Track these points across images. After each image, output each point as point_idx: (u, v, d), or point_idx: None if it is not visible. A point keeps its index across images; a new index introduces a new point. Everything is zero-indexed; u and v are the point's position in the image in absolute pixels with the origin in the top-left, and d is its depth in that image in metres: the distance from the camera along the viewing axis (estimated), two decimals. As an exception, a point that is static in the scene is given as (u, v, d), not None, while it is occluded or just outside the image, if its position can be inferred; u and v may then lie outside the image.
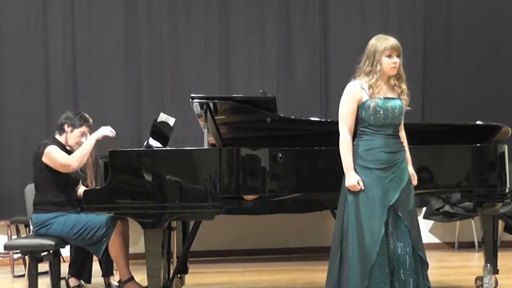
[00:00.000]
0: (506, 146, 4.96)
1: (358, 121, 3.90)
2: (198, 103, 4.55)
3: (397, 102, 3.88)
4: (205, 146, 4.58)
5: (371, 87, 3.84)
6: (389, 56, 3.83)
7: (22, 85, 6.99)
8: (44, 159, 4.76)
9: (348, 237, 3.84)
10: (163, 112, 5.06)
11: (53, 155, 4.74)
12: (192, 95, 4.56)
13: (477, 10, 7.48)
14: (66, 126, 4.94)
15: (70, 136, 4.93)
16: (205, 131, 4.58)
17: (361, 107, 3.86)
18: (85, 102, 6.84)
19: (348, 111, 3.88)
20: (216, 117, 4.67)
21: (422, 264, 3.87)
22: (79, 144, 4.96)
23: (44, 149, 4.77)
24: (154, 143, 4.69)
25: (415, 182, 3.99)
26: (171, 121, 5.04)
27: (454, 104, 7.32)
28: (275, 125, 4.77)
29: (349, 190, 3.86)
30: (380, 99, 3.84)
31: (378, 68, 3.83)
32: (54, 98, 6.94)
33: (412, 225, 3.84)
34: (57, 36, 7.03)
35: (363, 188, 3.80)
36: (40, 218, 4.77)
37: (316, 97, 7.21)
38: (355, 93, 3.87)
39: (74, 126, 4.93)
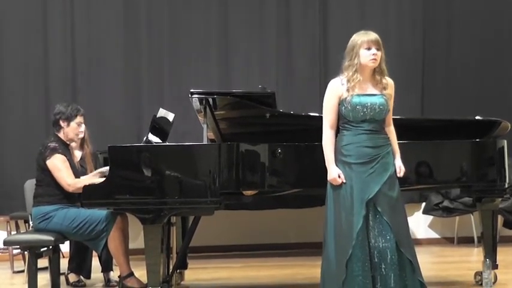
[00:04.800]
0: (505, 141, 4.96)
1: (340, 117, 3.93)
2: (197, 98, 4.55)
3: (378, 99, 3.89)
4: (205, 142, 4.58)
5: (349, 81, 3.87)
6: (368, 49, 3.85)
7: (22, 82, 7.00)
8: (48, 164, 4.76)
9: (327, 231, 3.89)
10: (162, 107, 5.06)
11: (55, 167, 4.75)
12: (192, 91, 4.57)
13: (476, 7, 7.47)
14: (61, 122, 4.91)
15: (67, 130, 4.92)
16: (205, 126, 4.58)
17: (341, 103, 3.90)
18: (85, 98, 6.84)
19: (330, 107, 3.93)
20: (215, 113, 4.67)
21: (407, 261, 3.82)
22: (78, 135, 4.95)
23: (51, 155, 4.75)
24: (153, 139, 4.69)
25: (400, 174, 3.96)
26: (171, 116, 5.04)
27: (453, 100, 7.32)
28: (274, 120, 4.78)
29: (330, 184, 3.90)
30: (358, 95, 3.86)
31: (356, 61, 3.86)
32: (54, 94, 6.92)
33: (393, 221, 3.80)
34: (56, 32, 7.03)
35: (344, 181, 3.84)
36: (40, 210, 4.77)
37: (315, 92, 7.20)
38: (335, 90, 3.91)
39: (68, 120, 4.90)
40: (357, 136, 3.87)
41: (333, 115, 3.92)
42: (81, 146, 5.28)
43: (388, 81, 3.95)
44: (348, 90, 3.87)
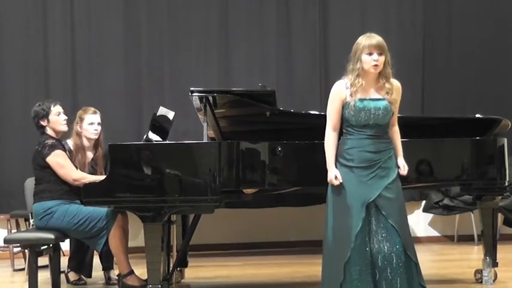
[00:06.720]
0: (505, 139, 4.97)
1: (343, 120, 3.91)
2: (197, 96, 4.56)
3: (382, 103, 3.83)
4: (205, 140, 4.58)
5: (352, 86, 3.83)
6: (370, 54, 3.79)
7: (22, 81, 6.99)
8: (49, 161, 4.74)
9: (327, 232, 3.89)
10: (162, 106, 5.07)
11: (57, 164, 4.74)
12: (192, 89, 4.57)
13: (476, 7, 7.48)
14: (41, 122, 4.85)
15: (52, 125, 4.85)
16: (205, 124, 4.59)
17: (344, 106, 3.86)
18: (85, 98, 6.83)
19: (332, 109, 3.90)
20: (215, 111, 4.68)
21: (413, 264, 3.82)
22: (62, 124, 4.88)
23: (50, 152, 4.73)
24: (153, 137, 4.69)
25: (404, 172, 3.93)
26: (171, 115, 5.04)
27: (453, 98, 7.33)
28: (275, 118, 4.78)
29: (331, 186, 3.89)
30: (362, 100, 3.82)
31: (358, 65, 3.81)
32: (54, 94, 6.88)
33: (400, 225, 3.79)
34: (57, 31, 7.02)
35: (341, 181, 3.82)
36: (43, 205, 4.75)
37: (315, 91, 7.22)
38: (338, 93, 3.88)
39: (46, 116, 4.84)
40: (359, 140, 3.83)
41: (336, 117, 3.89)
42: (95, 147, 5.23)
43: (394, 84, 3.88)
44: (351, 94, 3.83)
